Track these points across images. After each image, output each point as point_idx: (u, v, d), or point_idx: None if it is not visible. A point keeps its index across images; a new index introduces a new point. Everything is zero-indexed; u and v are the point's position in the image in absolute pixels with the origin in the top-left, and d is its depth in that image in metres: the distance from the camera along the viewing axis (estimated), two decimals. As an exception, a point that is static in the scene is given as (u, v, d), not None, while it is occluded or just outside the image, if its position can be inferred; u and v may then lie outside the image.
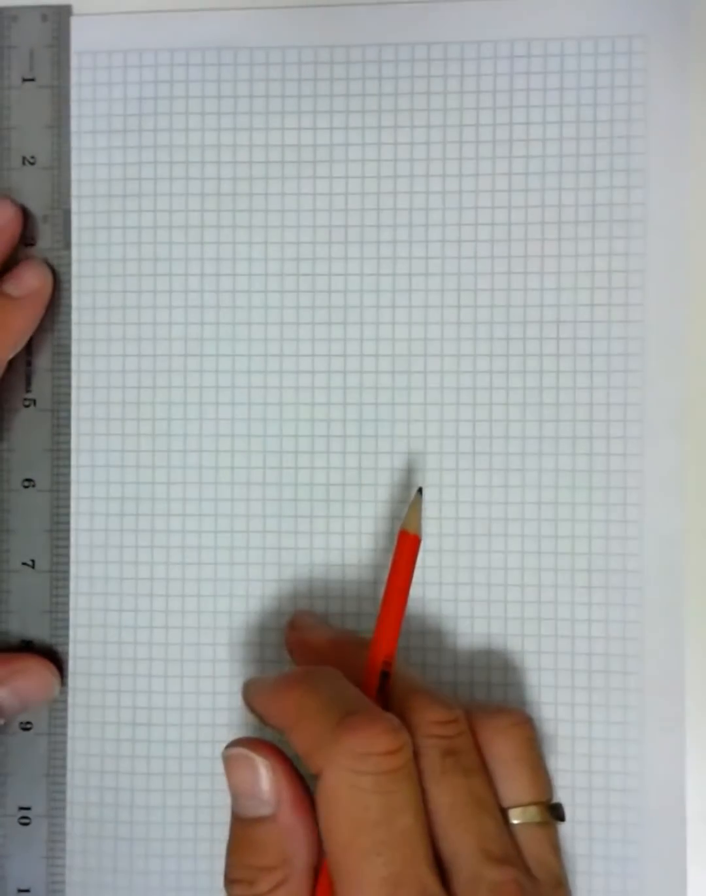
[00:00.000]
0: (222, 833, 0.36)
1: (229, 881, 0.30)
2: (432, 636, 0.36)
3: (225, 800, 0.36)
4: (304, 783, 0.30)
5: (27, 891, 0.37)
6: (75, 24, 0.38)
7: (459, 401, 0.36)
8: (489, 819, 0.30)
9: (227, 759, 0.31)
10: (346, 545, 0.36)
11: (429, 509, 0.36)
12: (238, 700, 0.36)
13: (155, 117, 0.37)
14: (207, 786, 0.37)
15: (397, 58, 0.37)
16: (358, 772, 0.28)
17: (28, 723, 0.37)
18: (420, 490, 0.34)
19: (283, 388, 0.37)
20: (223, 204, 0.37)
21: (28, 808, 0.37)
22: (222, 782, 0.36)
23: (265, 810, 0.30)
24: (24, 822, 0.37)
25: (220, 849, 0.36)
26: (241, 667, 0.37)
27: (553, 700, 0.35)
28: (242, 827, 0.30)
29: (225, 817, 0.36)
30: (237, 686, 0.36)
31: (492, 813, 0.30)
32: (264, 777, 0.30)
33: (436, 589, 0.36)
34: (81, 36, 0.38)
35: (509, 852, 0.30)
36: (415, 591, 0.36)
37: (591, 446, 0.36)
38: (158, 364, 0.37)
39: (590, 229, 0.36)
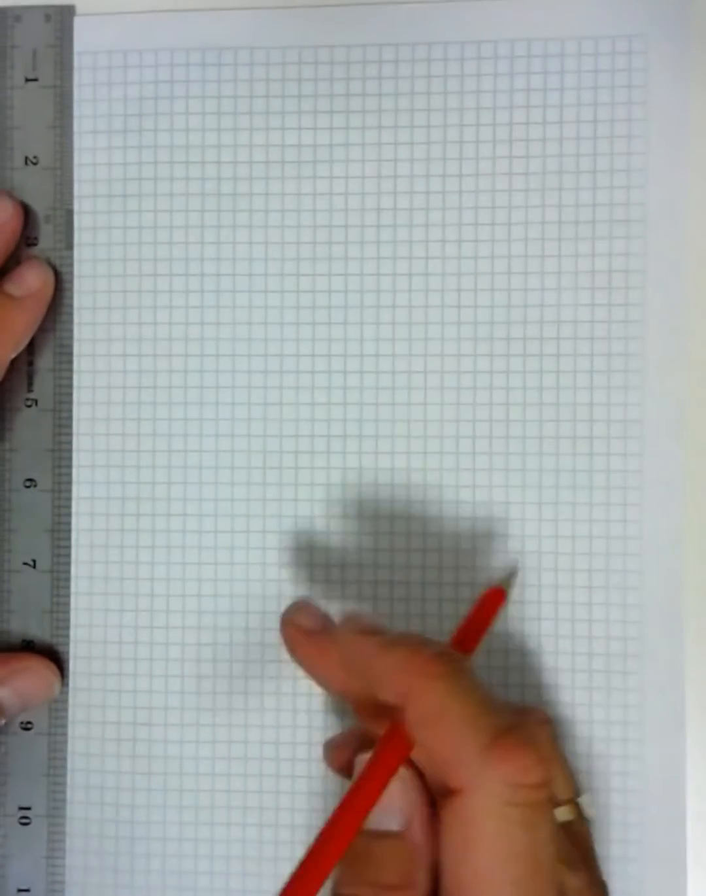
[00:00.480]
0: (223, 833, 0.36)
1: (336, 894, 0.28)
2: (432, 637, 0.36)
3: (227, 800, 0.37)
4: (432, 800, 0.28)
5: (27, 890, 0.37)
6: (78, 24, 0.38)
7: (459, 401, 0.36)
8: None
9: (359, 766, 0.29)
10: (346, 545, 0.36)
11: (430, 509, 0.36)
12: (238, 701, 0.36)
13: (155, 117, 0.37)
14: (208, 786, 0.37)
15: (397, 58, 0.37)
16: (508, 803, 0.26)
17: (28, 723, 0.37)
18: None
19: (283, 388, 0.37)
20: (223, 204, 0.37)
21: (28, 808, 0.37)
22: (224, 783, 0.36)
23: (394, 825, 0.28)
24: (25, 822, 0.37)
25: (222, 849, 0.36)
26: (242, 667, 0.37)
27: (553, 700, 0.35)
28: (365, 839, 0.28)
29: (226, 818, 0.36)
30: (238, 686, 0.36)
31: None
32: (399, 789, 0.28)
33: (436, 589, 0.36)
34: (84, 36, 0.38)
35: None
36: (416, 590, 0.36)
37: (591, 446, 0.36)
38: (159, 364, 0.37)
39: (591, 229, 0.36)
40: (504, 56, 0.36)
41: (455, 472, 0.36)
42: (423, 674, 0.28)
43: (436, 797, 0.28)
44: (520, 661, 0.36)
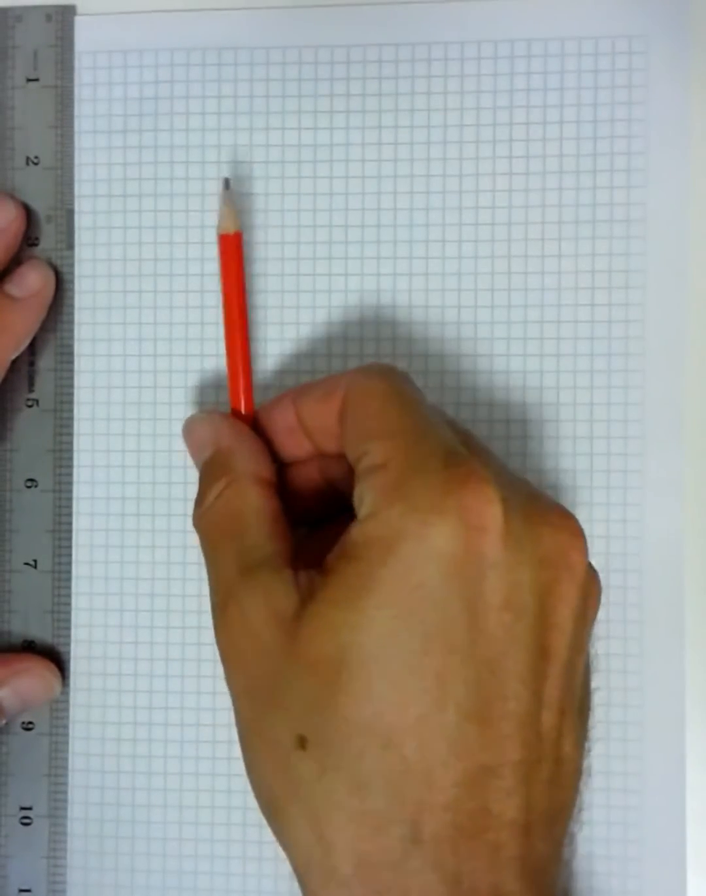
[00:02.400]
0: (224, 833, 0.36)
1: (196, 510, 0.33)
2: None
3: (227, 800, 0.37)
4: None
5: (28, 891, 0.37)
6: (79, 24, 0.38)
7: (460, 401, 0.36)
8: None
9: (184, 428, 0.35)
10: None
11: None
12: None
13: (156, 117, 0.37)
14: (208, 786, 0.37)
15: (397, 58, 0.37)
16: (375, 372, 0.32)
17: (29, 723, 0.37)
18: (226, 182, 0.35)
19: (282, 389, 0.37)
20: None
21: (29, 809, 0.37)
22: (224, 783, 0.36)
23: (208, 451, 0.34)
24: (26, 822, 0.37)
25: (222, 849, 0.36)
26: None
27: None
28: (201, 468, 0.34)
29: (226, 818, 0.36)
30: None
31: None
32: (205, 426, 0.34)
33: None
34: (85, 36, 0.38)
35: None
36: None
37: (591, 446, 0.36)
38: (159, 364, 0.37)
39: (591, 229, 0.36)
40: (504, 56, 0.36)
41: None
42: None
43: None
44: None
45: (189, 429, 0.35)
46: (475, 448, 0.31)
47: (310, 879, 0.28)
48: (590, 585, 0.30)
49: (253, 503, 0.32)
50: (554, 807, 0.29)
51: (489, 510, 0.27)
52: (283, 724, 0.28)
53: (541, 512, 0.29)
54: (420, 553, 0.27)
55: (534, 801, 0.28)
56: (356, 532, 0.28)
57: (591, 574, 0.30)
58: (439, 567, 0.27)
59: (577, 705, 0.30)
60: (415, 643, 0.27)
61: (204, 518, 0.32)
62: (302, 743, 0.27)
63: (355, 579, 0.27)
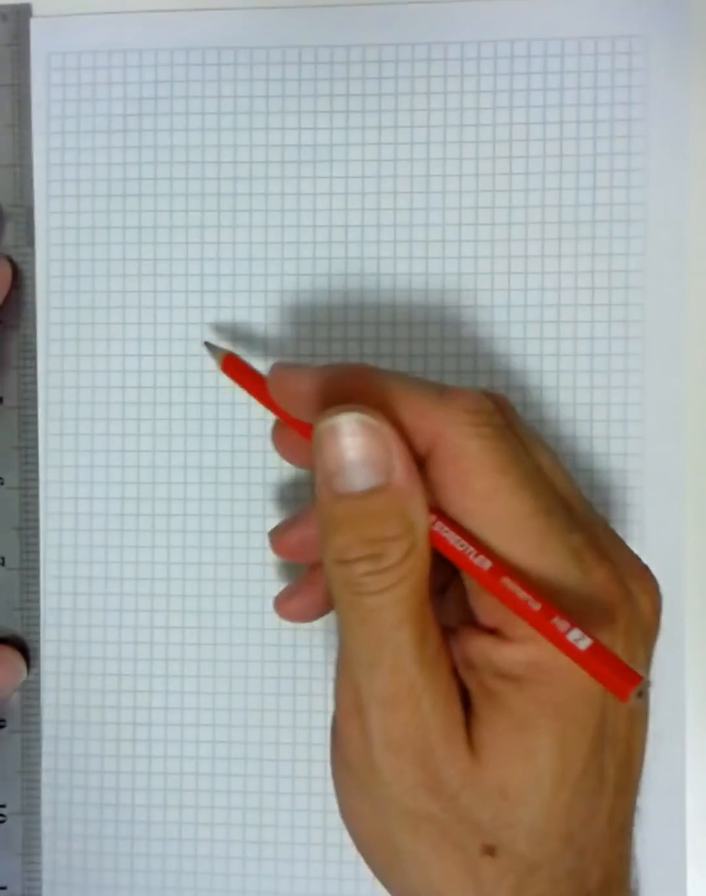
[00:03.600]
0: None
1: (343, 562, 0.27)
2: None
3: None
4: (413, 455, 0.28)
5: (3, 888, 0.37)
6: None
7: (460, 401, 0.36)
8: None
9: (327, 430, 0.27)
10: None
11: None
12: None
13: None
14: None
15: (397, 58, 0.37)
16: (478, 426, 0.27)
17: (1, 720, 0.37)
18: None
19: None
20: (223, 204, 0.37)
21: (3, 806, 0.37)
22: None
23: (379, 479, 0.27)
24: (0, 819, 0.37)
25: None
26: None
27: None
28: (349, 504, 0.27)
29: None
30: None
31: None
32: (372, 441, 0.27)
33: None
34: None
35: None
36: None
37: (592, 446, 0.36)
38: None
39: (591, 229, 0.36)
40: (504, 56, 0.36)
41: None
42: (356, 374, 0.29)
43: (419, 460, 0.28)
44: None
45: (349, 431, 0.27)
46: (568, 493, 0.30)
47: None
48: None
49: (428, 575, 0.28)
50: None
51: (624, 609, 0.28)
52: (467, 837, 0.28)
53: (639, 580, 0.29)
54: (570, 686, 0.27)
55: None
56: (515, 653, 0.27)
57: None
58: (582, 698, 0.27)
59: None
60: (589, 750, 0.27)
61: (389, 593, 0.27)
62: (490, 851, 0.28)
63: (528, 705, 0.27)
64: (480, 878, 0.28)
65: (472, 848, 0.28)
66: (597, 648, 0.26)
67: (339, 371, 0.29)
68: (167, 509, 0.37)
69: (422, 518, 0.27)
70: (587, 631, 0.26)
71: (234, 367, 0.33)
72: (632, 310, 0.36)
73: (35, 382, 0.37)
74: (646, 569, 0.30)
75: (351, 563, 0.27)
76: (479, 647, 0.28)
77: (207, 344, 0.35)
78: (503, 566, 0.27)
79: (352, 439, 0.27)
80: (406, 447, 0.27)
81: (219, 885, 0.37)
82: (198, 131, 0.37)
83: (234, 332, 0.37)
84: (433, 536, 0.27)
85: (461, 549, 0.27)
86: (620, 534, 0.35)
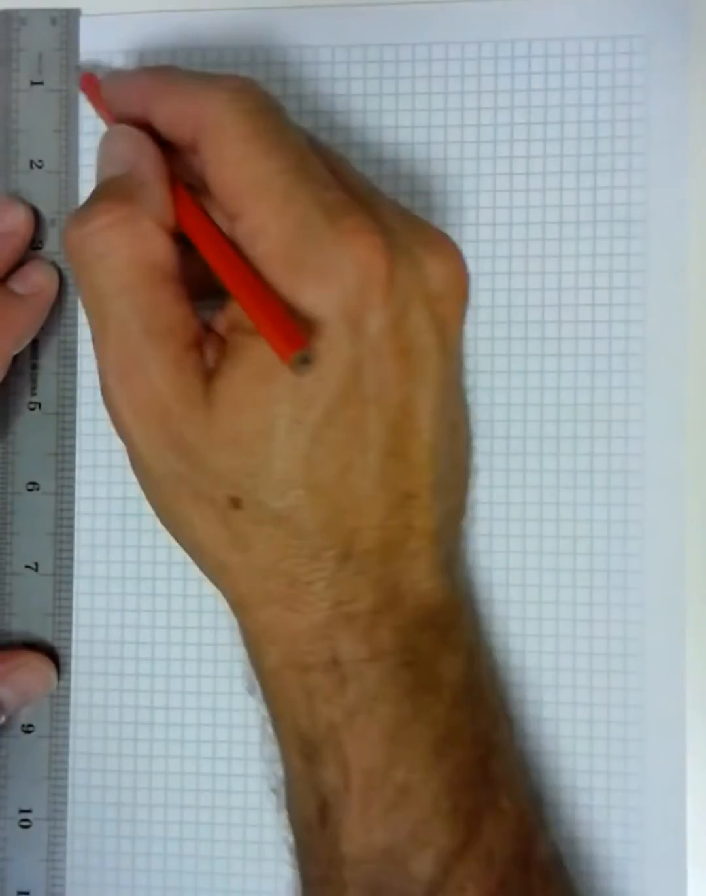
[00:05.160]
0: (224, 834, 0.37)
1: (75, 226, 0.30)
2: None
3: (227, 801, 0.37)
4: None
5: (27, 893, 0.37)
6: (84, 26, 0.38)
7: (460, 401, 0.36)
8: None
9: (103, 138, 0.32)
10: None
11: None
12: (238, 700, 0.36)
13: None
14: (209, 786, 0.37)
15: (397, 58, 0.37)
16: (237, 100, 0.30)
17: (29, 725, 0.37)
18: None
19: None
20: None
21: (29, 811, 0.37)
22: (225, 783, 0.36)
23: (122, 169, 0.31)
24: (25, 824, 0.37)
25: (223, 850, 0.36)
26: (243, 668, 0.37)
27: (553, 700, 0.36)
28: (99, 186, 0.32)
29: (226, 818, 0.37)
30: (239, 687, 0.36)
31: None
32: (119, 139, 0.32)
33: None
34: (89, 38, 0.38)
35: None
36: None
37: (592, 446, 0.36)
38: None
39: (591, 229, 0.36)
40: (504, 56, 0.36)
41: (456, 473, 0.36)
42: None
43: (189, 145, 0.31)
44: (521, 662, 0.36)
45: (110, 138, 0.32)
46: (347, 178, 0.31)
47: (248, 603, 0.31)
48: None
49: (162, 253, 0.30)
50: (453, 510, 0.34)
51: (380, 260, 0.28)
52: (216, 489, 0.30)
53: (424, 243, 0.30)
54: (325, 316, 0.28)
55: (442, 510, 0.31)
56: None
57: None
58: (342, 325, 0.28)
59: (467, 413, 0.35)
60: (334, 402, 0.28)
61: (101, 262, 0.30)
62: (236, 504, 0.29)
63: (266, 356, 0.28)
64: (234, 531, 0.30)
65: (221, 501, 0.30)
66: (268, 302, 0.27)
67: (150, 73, 0.33)
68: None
69: (152, 200, 0.30)
70: (274, 285, 0.28)
71: (88, 84, 0.35)
72: (632, 310, 0.36)
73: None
74: (443, 237, 0.31)
75: (78, 227, 0.30)
76: (229, 308, 0.30)
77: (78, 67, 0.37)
78: (220, 235, 0.30)
79: (114, 143, 0.32)
80: (156, 150, 0.31)
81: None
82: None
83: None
84: (183, 221, 0.31)
85: (197, 222, 0.30)
86: (620, 534, 0.35)
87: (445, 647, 0.31)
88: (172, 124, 0.31)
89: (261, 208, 0.29)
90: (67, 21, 0.38)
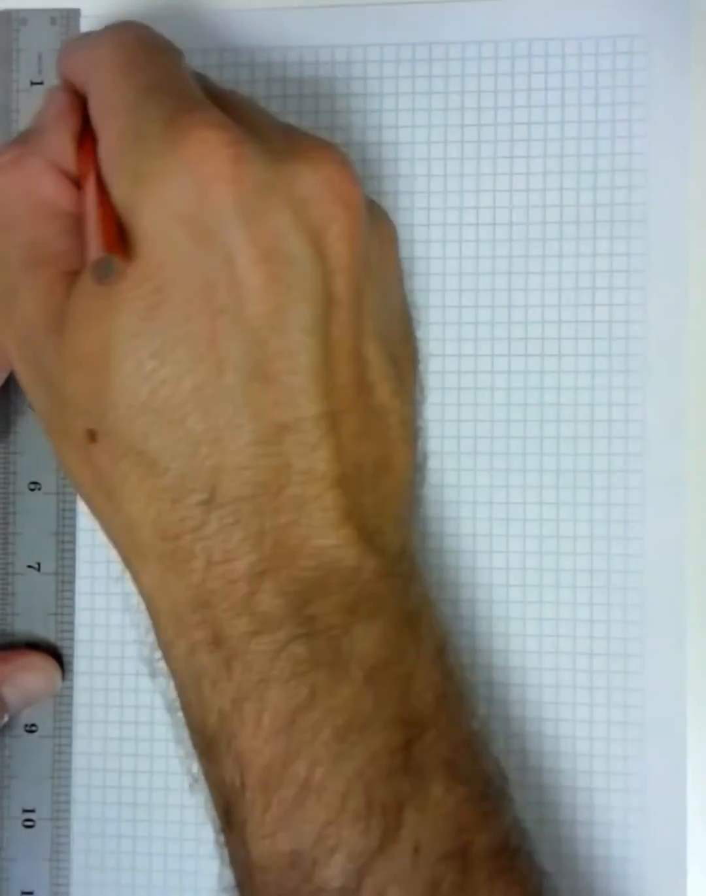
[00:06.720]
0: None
1: None
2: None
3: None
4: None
5: (30, 893, 0.37)
6: (84, 27, 0.37)
7: (460, 401, 0.36)
8: None
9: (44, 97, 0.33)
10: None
11: (431, 509, 0.36)
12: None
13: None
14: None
15: (398, 58, 0.37)
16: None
17: (32, 725, 0.37)
18: None
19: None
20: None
21: (32, 811, 0.37)
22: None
23: (33, 124, 0.32)
24: (29, 824, 0.37)
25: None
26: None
27: (553, 700, 0.36)
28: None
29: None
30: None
31: None
32: (53, 101, 0.32)
33: (436, 590, 0.36)
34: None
35: None
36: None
37: (592, 446, 0.36)
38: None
39: (591, 229, 0.36)
40: (504, 56, 0.36)
41: (456, 472, 0.36)
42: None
43: None
44: (521, 662, 0.36)
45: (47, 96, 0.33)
46: (227, 101, 0.29)
47: (129, 560, 0.29)
48: (377, 222, 0.30)
49: (50, 190, 0.30)
50: (374, 458, 0.29)
51: (220, 155, 0.26)
52: (73, 420, 0.28)
53: (294, 148, 0.28)
54: (159, 221, 0.26)
55: (346, 453, 0.28)
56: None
57: (374, 208, 0.30)
58: (182, 230, 0.26)
59: (387, 353, 0.30)
60: (176, 313, 0.26)
61: None
62: (92, 436, 0.27)
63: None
64: (95, 469, 0.28)
65: (79, 434, 0.28)
66: (96, 212, 0.27)
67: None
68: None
69: (47, 143, 0.30)
70: (114, 198, 0.27)
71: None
72: (632, 310, 0.36)
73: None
74: (320, 144, 0.29)
75: None
76: None
77: None
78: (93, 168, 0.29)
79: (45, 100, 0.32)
80: (64, 100, 0.31)
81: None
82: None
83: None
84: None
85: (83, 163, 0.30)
86: (620, 534, 0.35)
87: (354, 616, 0.27)
88: (75, 76, 0.31)
89: (107, 124, 0.28)
90: (67, 21, 0.38)
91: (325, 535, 0.27)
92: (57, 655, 0.37)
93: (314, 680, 0.26)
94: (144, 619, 0.29)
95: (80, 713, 0.37)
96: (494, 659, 0.36)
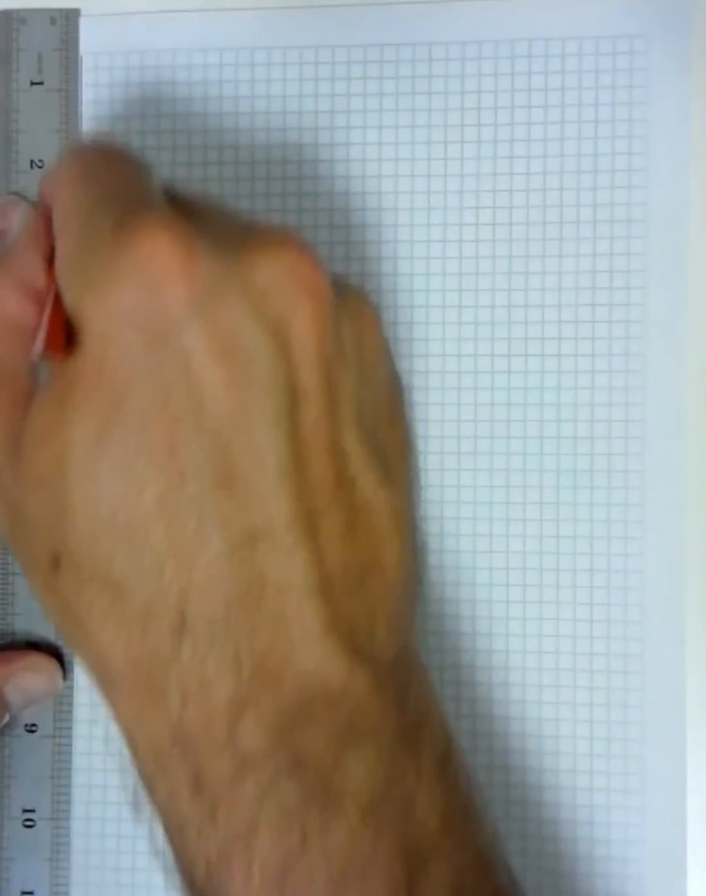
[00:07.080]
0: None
1: None
2: (432, 637, 0.36)
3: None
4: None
5: (30, 893, 0.37)
6: (84, 25, 0.38)
7: (460, 401, 0.36)
8: None
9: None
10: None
11: (430, 509, 0.36)
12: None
13: (159, 119, 0.37)
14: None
15: (398, 58, 0.37)
16: None
17: (33, 725, 0.37)
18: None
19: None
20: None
21: (32, 811, 0.37)
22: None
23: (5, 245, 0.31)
24: (29, 824, 0.37)
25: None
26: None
27: (553, 700, 0.36)
28: None
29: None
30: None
31: None
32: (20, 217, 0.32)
33: (436, 589, 0.36)
34: (89, 37, 0.38)
35: None
36: (416, 591, 0.36)
37: (592, 446, 0.36)
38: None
39: (591, 229, 0.36)
40: (504, 56, 0.36)
41: (456, 473, 0.36)
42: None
43: None
44: (521, 662, 0.36)
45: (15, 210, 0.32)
46: (193, 204, 0.28)
47: (107, 693, 0.27)
48: (352, 303, 0.28)
49: (11, 309, 0.28)
50: (361, 558, 0.27)
51: (169, 253, 0.24)
52: (38, 545, 0.26)
53: (249, 239, 0.26)
54: (110, 327, 0.25)
55: (328, 556, 0.25)
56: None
57: (348, 290, 0.28)
58: (135, 334, 0.25)
59: (369, 442, 0.27)
60: (133, 422, 0.24)
61: None
62: (56, 562, 0.26)
63: (59, 381, 0.25)
64: (61, 599, 0.26)
65: (43, 561, 0.26)
66: (46, 315, 0.26)
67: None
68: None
69: (16, 262, 0.29)
70: (66, 303, 0.26)
71: None
72: (632, 310, 0.36)
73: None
74: (278, 234, 0.27)
75: None
76: None
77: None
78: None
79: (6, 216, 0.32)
80: (36, 220, 0.30)
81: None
82: (201, 132, 0.37)
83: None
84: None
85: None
86: (620, 534, 0.35)
87: (345, 744, 0.25)
88: (46, 195, 0.30)
89: (62, 236, 0.27)
90: (67, 21, 0.38)
91: (308, 653, 0.25)
92: (57, 655, 0.37)
93: (305, 822, 0.24)
94: (126, 753, 0.27)
95: (80, 713, 0.37)
96: (494, 659, 0.36)
